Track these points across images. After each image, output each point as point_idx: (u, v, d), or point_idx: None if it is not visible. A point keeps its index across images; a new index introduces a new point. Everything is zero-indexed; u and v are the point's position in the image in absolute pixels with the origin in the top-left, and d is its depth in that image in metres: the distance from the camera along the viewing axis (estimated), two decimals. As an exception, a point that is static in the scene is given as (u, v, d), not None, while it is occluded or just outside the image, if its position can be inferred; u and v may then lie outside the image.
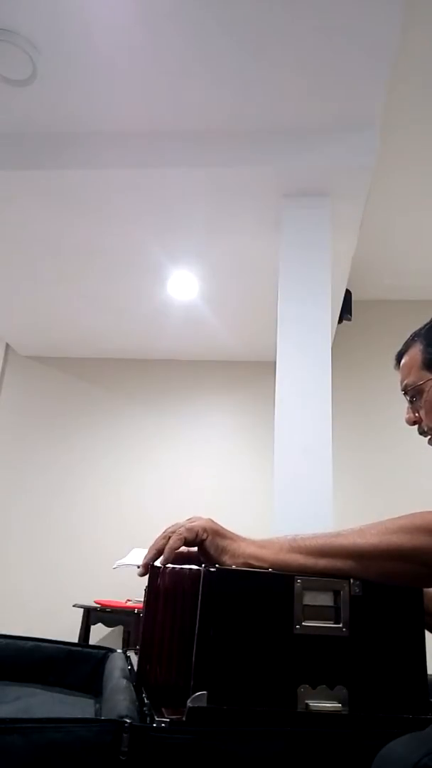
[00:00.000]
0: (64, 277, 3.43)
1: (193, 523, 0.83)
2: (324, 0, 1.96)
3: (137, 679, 0.75)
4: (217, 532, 0.82)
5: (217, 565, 0.76)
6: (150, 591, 0.76)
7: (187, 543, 0.81)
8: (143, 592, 0.78)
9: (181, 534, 0.81)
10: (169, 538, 0.81)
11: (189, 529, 0.81)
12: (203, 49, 2.15)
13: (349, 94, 2.27)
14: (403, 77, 2.37)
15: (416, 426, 1.07)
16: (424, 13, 2.15)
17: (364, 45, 2.08)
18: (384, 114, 2.39)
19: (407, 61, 2.31)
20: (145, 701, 0.71)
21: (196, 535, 0.81)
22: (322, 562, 0.76)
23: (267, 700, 0.69)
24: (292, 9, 1.99)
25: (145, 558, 0.80)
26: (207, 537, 0.81)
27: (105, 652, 1.09)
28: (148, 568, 0.78)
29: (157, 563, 0.79)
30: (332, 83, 2.23)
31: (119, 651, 1.10)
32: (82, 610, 3.32)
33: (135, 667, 0.95)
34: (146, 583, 0.85)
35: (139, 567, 0.81)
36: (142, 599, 0.79)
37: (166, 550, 0.79)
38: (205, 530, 0.82)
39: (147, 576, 0.78)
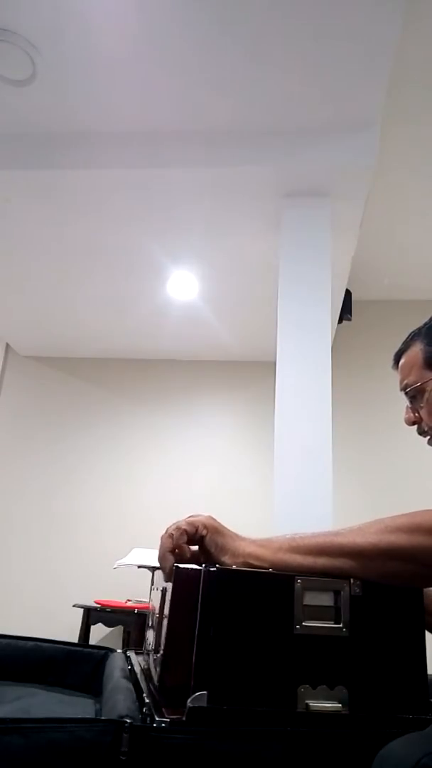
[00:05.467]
0: (64, 277, 3.43)
1: (193, 518, 0.83)
2: (324, 0, 1.96)
3: (158, 684, 0.72)
4: (217, 530, 0.82)
5: (217, 565, 0.76)
6: (176, 593, 0.74)
7: (188, 537, 0.81)
8: (150, 593, 0.77)
9: (182, 528, 0.81)
10: (173, 535, 0.81)
11: (190, 523, 0.81)
12: (203, 49, 2.15)
13: (349, 94, 2.27)
14: (403, 77, 2.37)
15: (415, 426, 1.07)
16: (424, 14, 2.15)
17: (364, 45, 2.08)
18: (384, 114, 2.39)
19: (407, 61, 2.31)
20: (146, 701, 0.71)
21: (196, 530, 0.81)
22: (321, 561, 0.76)
23: (267, 700, 0.69)
24: (293, 9, 1.99)
25: (165, 560, 0.78)
26: (207, 533, 0.81)
27: (105, 652, 1.09)
28: (174, 571, 0.76)
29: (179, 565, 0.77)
30: (332, 83, 2.23)
31: (119, 651, 1.10)
32: (82, 610, 3.32)
33: (135, 667, 0.95)
34: (159, 585, 0.84)
35: (150, 569, 0.80)
36: (147, 600, 0.77)
37: (179, 549, 0.79)
38: (205, 526, 0.82)
39: (170, 578, 0.76)
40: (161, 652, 0.73)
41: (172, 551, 0.79)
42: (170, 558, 0.78)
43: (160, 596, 0.84)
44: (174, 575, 0.75)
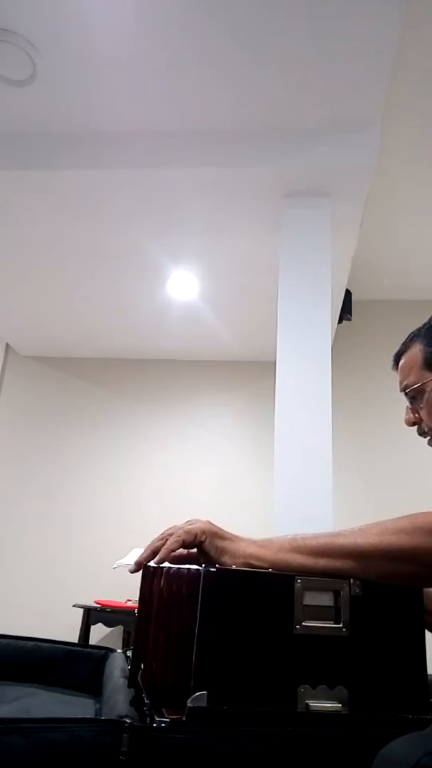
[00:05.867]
0: (64, 277, 3.43)
1: (191, 526, 0.83)
2: (324, 0, 1.96)
3: (129, 677, 0.75)
4: (216, 534, 0.82)
5: (217, 566, 0.76)
6: (143, 591, 0.76)
7: (186, 545, 0.81)
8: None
9: (179, 536, 0.81)
10: (166, 540, 0.81)
11: (187, 532, 0.81)
12: (203, 49, 2.15)
13: (349, 94, 2.27)
14: (403, 77, 2.37)
15: (415, 427, 1.07)
16: (424, 13, 2.15)
17: (364, 45, 2.08)
18: (384, 114, 2.39)
19: (407, 62, 2.31)
20: (145, 701, 0.71)
21: (195, 537, 0.81)
22: (322, 562, 0.76)
23: (267, 700, 0.69)
24: (292, 9, 1.99)
25: (139, 557, 0.80)
26: (206, 539, 0.81)
27: (105, 652, 1.09)
28: (140, 566, 0.79)
29: (151, 564, 0.79)
30: (332, 83, 2.23)
31: (119, 651, 1.10)
32: (82, 610, 3.32)
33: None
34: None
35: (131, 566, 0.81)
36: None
37: (163, 551, 0.79)
38: (203, 532, 0.82)
39: (136, 570, 0.79)
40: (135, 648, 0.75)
41: (154, 553, 0.80)
42: (146, 555, 0.80)
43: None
44: (144, 573, 0.76)
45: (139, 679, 0.73)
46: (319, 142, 2.43)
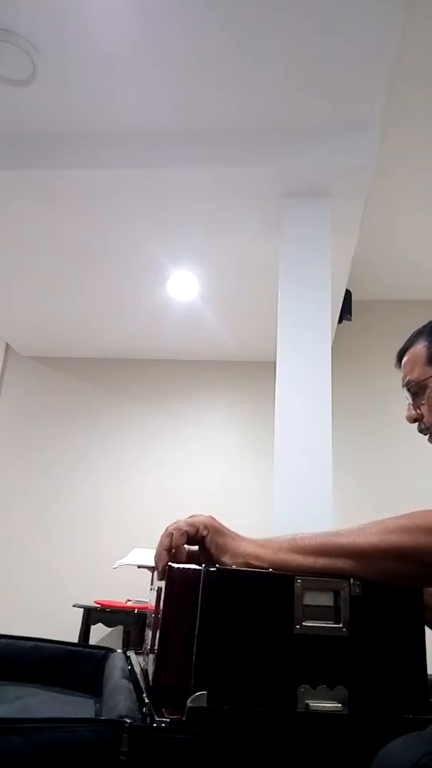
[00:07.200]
0: (63, 277, 3.43)
1: (194, 519, 0.83)
2: (324, 0, 1.96)
3: (153, 682, 0.73)
4: (218, 530, 0.82)
5: (217, 565, 0.76)
6: (169, 592, 0.74)
7: (189, 538, 0.81)
8: (149, 593, 0.77)
9: (182, 529, 0.81)
10: (172, 535, 0.81)
11: (191, 524, 0.82)
12: (203, 49, 2.15)
13: (349, 94, 2.27)
14: (403, 77, 2.37)
15: (416, 424, 1.07)
16: (424, 14, 2.15)
17: (364, 45, 2.08)
18: (384, 114, 2.39)
19: (407, 61, 2.31)
20: (146, 701, 0.71)
21: (197, 530, 0.81)
22: (321, 561, 0.76)
23: (267, 700, 0.69)
24: (292, 9, 1.99)
25: (160, 559, 0.79)
26: (207, 534, 0.81)
27: (105, 652, 1.09)
28: (167, 569, 0.76)
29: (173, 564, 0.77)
30: (332, 83, 2.23)
31: (119, 651, 1.10)
32: (82, 610, 3.32)
33: (135, 667, 0.95)
34: (156, 584, 0.85)
35: (150, 569, 0.80)
36: (147, 599, 0.78)
37: (177, 552, 0.79)
38: (205, 526, 0.82)
39: (163, 577, 0.76)
40: (158, 651, 0.73)
41: (168, 550, 0.79)
42: (165, 557, 0.79)
43: (155, 595, 0.84)
44: (169, 574, 0.75)
45: (162, 681, 0.71)
46: (319, 142, 2.43)
